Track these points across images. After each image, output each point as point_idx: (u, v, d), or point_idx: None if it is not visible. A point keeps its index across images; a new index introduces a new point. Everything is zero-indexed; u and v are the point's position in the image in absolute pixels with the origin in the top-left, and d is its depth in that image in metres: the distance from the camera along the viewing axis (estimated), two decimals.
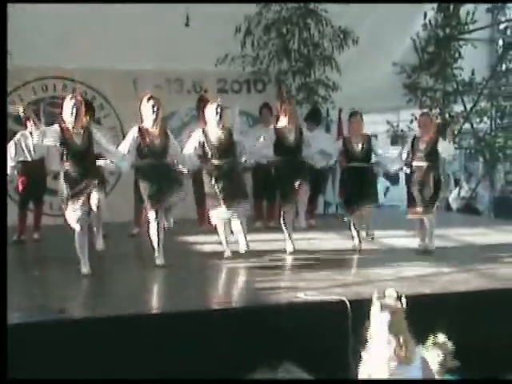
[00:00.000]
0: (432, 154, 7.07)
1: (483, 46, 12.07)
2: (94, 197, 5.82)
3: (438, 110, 11.06)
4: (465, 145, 12.96)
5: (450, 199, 12.51)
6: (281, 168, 7.04)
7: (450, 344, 3.62)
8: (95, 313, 4.77)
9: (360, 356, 3.39)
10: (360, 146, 7.18)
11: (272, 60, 9.88)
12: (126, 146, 6.30)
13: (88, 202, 5.84)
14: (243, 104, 9.45)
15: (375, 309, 3.35)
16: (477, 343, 4.82)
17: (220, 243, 6.85)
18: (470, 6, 11.35)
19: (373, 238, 7.41)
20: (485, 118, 12.20)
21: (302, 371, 1.90)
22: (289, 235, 7.02)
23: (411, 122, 10.99)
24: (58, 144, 5.87)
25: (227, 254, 6.76)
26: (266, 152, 7.07)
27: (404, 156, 7.25)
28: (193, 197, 8.23)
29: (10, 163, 7.34)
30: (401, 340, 3.25)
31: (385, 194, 12.52)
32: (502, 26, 12.47)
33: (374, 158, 7.34)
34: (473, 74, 11.57)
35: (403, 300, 3.37)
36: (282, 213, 7.08)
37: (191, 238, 7.91)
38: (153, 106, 6.28)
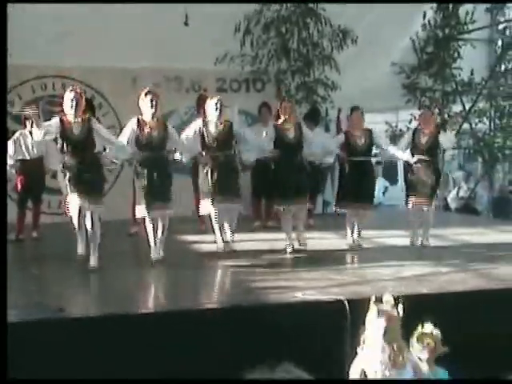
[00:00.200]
0: (433, 148, 7.13)
1: (482, 46, 12.06)
2: (89, 217, 5.91)
3: (437, 110, 11.05)
4: (464, 145, 12.96)
5: (449, 199, 12.51)
6: (280, 166, 7.05)
7: (437, 332, 3.65)
8: (93, 311, 4.77)
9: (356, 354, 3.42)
10: (362, 140, 7.18)
11: (271, 59, 9.88)
12: (126, 135, 6.36)
13: (86, 193, 5.91)
14: (242, 103, 9.44)
15: (372, 314, 3.38)
16: (475, 343, 4.83)
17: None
18: (469, 6, 11.34)
19: (360, 246, 7.32)
20: (484, 119, 12.19)
21: (301, 371, 1.90)
22: (290, 236, 7.05)
23: (410, 122, 11.00)
24: (58, 136, 5.93)
25: (219, 246, 6.78)
26: (266, 146, 7.07)
27: (404, 148, 7.27)
28: (193, 196, 8.26)
29: (9, 162, 7.35)
30: (395, 347, 3.29)
31: (383, 194, 12.52)
32: (501, 27, 12.45)
33: (375, 151, 7.36)
34: (472, 74, 11.56)
35: (400, 308, 3.40)
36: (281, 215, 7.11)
37: (189, 237, 7.91)
38: (151, 100, 6.33)
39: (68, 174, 5.98)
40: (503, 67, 12.16)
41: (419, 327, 3.73)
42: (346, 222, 7.34)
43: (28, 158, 7.61)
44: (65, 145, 5.97)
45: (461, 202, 12.44)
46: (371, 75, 10.42)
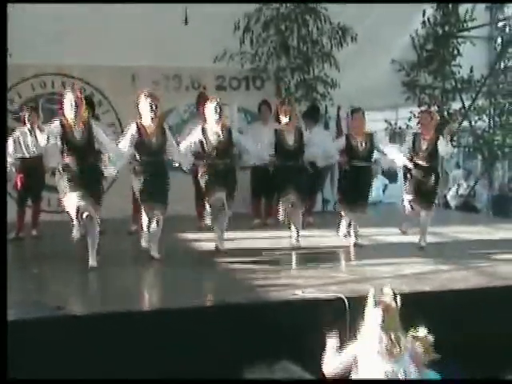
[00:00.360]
0: (433, 154, 7.11)
1: (482, 44, 12.06)
2: (91, 210, 5.89)
3: (436, 108, 11.05)
4: (463, 143, 12.96)
5: (449, 197, 12.52)
6: (280, 171, 7.04)
7: (430, 337, 3.64)
8: (92, 309, 4.76)
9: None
10: (363, 144, 7.15)
11: (271, 57, 9.86)
12: (125, 141, 6.35)
13: (86, 195, 5.90)
14: (242, 101, 9.44)
15: (369, 304, 3.43)
16: (475, 342, 4.83)
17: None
18: (468, 4, 11.34)
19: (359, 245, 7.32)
20: (483, 116, 12.18)
21: (299, 368, 1.90)
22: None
23: (410, 119, 11.01)
24: (58, 139, 5.92)
25: (219, 247, 6.80)
26: (265, 155, 7.07)
27: (404, 152, 7.25)
28: (192, 195, 8.26)
29: (9, 160, 7.35)
30: (392, 337, 3.30)
31: (383, 192, 12.52)
32: (500, 24, 12.43)
33: (376, 155, 7.34)
34: (471, 71, 11.56)
35: (398, 299, 3.42)
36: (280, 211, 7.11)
37: (190, 235, 7.91)
38: (150, 105, 6.29)
39: (68, 176, 5.94)
40: (503, 65, 12.14)
41: (412, 330, 3.71)
42: (341, 219, 7.36)
43: (27, 156, 7.60)
44: (65, 148, 5.96)
45: (460, 199, 12.44)
46: (371, 73, 10.42)
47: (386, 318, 3.35)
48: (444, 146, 7.14)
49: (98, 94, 9.51)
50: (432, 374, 3.69)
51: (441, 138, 7.16)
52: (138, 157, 6.36)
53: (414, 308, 3.54)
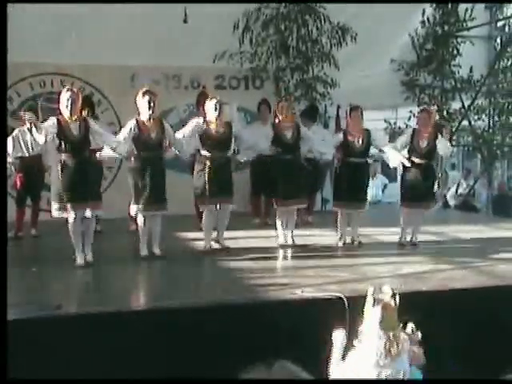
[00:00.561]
0: (431, 152, 7.10)
1: (481, 44, 12.06)
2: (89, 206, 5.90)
3: (435, 108, 11.05)
4: (463, 142, 12.97)
5: (448, 196, 12.52)
6: (279, 166, 7.04)
7: (418, 334, 3.63)
8: (90, 308, 4.76)
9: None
10: (360, 141, 7.15)
11: (270, 56, 9.86)
12: (124, 134, 6.38)
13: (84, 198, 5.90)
14: (241, 100, 9.43)
15: (368, 303, 3.42)
16: (475, 341, 4.84)
17: (214, 240, 6.89)
18: (468, 4, 11.34)
19: (360, 243, 7.33)
20: (483, 116, 12.19)
21: (298, 367, 1.90)
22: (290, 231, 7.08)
23: (409, 119, 11.00)
24: (55, 135, 5.93)
25: (206, 246, 6.78)
26: (262, 144, 7.07)
27: (401, 146, 7.23)
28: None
29: (8, 159, 7.33)
30: (391, 336, 3.30)
31: (383, 191, 12.52)
32: (500, 24, 12.45)
33: (373, 151, 7.33)
34: (471, 71, 11.57)
35: (397, 298, 3.41)
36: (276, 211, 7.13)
37: (189, 234, 7.90)
38: (149, 102, 6.33)
39: (65, 173, 5.95)
40: (502, 64, 12.15)
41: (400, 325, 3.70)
42: (338, 219, 7.31)
43: (27, 155, 7.57)
44: (62, 144, 5.97)
45: (460, 199, 12.45)
46: (370, 72, 10.42)
47: (384, 316, 3.35)
48: (443, 145, 7.14)
49: (97, 93, 9.51)
50: (417, 374, 3.69)
51: (439, 136, 7.16)
52: (136, 152, 6.38)
53: (414, 308, 3.52)
